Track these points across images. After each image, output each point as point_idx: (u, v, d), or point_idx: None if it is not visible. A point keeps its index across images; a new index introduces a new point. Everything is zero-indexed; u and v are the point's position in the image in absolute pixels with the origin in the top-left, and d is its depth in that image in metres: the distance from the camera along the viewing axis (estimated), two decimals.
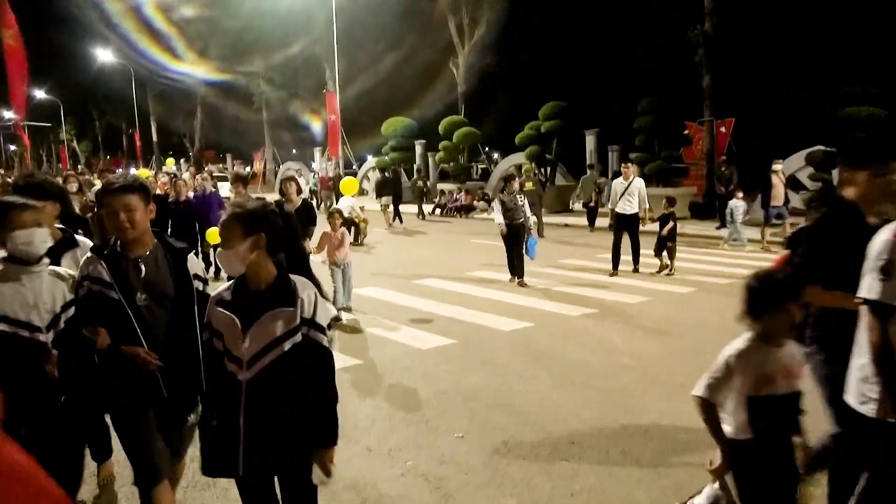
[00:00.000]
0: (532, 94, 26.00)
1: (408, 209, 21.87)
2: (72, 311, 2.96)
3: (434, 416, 4.91)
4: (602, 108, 25.64)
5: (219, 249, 2.45)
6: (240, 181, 9.31)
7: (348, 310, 8.06)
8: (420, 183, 23.96)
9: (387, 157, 29.14)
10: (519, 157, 24.32)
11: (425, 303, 8.76)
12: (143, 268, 2.83)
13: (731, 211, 13.19)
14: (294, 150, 47.75)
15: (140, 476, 2.89)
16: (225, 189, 15.48)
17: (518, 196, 9.90)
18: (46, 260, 3.03)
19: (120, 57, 43.61)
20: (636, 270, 10.51)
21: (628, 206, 10.39)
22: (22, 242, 2.86)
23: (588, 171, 20.62)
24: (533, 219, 10.31)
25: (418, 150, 29.40)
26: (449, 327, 7.46)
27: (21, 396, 2.66)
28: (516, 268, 9.84)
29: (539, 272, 10.79)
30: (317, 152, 38.04)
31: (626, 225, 10.49)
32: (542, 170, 22.56)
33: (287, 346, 2.41)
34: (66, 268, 3.18)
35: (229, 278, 2.58)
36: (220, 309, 2.48)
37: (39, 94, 47.63)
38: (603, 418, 4.83)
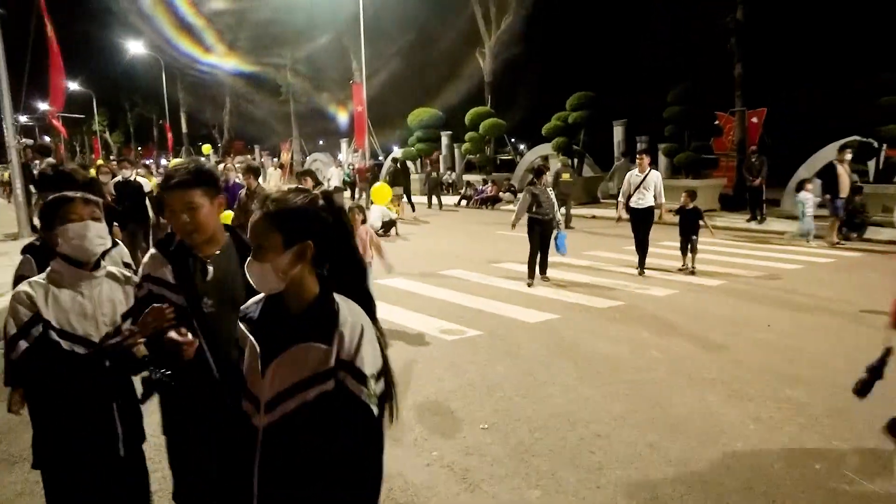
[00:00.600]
0: (559, 85, 25.77)
1: (421, 200, 22.18)
2: (128, 322, 2.51)
3: (460, 407, 4.91)
4: (631, 98, 25.33)
5: (248, 259, 1.83)
6: (251, 172, 9.01)
7: None
8: (434, 174, 24.19)
9: (413, 149, 29.16)
10: (546, 149, 24.16)
11: (451, 294, 8.76)
12: (210, 269, 2.44)
13: (801, 204, 12.52)
14: (321, 142, 48.02)
15: (181, 496, 2.63)
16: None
17: (549, 190, 9.41)
18: (105, 262, 2.65)
19: (151, 49, 44.19)
20: (641, 273, 9.79)
21: (642, 200, 9.81)
22: (74, 236, 2.43)
23: (621, 159, 20.41)
24: (561, 210, 9.85)
25: (444, 141, 29.36)
26: (475, 319, 7.46)
27: (79, 422, 2.46)
28: (541, 264, 9.38)
29: (566, 264, 10.71)
30: (343, 143, 38.19)
31: (639, 220, 9.90)
32: (570, 161, 22.37)
33: (312, 393, 1.76)
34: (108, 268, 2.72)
35: None
36: (242, 327, 1.92)
37: (73, 86, 48.53)
38: (630, 411, 4.79)
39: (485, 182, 24.15)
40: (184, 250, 2.46)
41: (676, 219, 10.13)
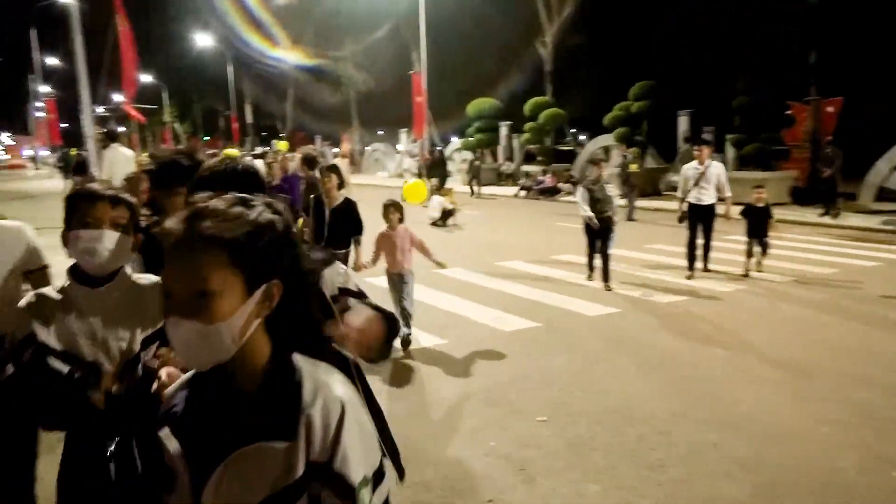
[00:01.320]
0: (622, 74, 25.24)
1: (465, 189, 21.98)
2: (153, 349, 2.01)
3: (517, 399, 4.91)
4: (696, 87, 24.58)
5: (169, 320, 1.14)
6: (306, 163, 8.84)
7: (406, 342, 6.08)
8: (477, 162, 24.46)
9: (472, 139, 29.12)
10: (608, 139, 23.74)
11: (509, 285, 8.75)
12: None
13: None
14: (380, 132, 48.51)
15: None
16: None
17: (606, 185, 8.64)
18: (129, 273, 2.11)
19: (218, 41, 45.51)
20: (706, 269, 9.23)
21: (704, 196, 8.89)
22: (83, 246, 1.96)
23: (685, 146, 19.86)
24: (620, 202, 9.16)
25: (503, 131, 29.21)
26: (533, 310, 7.43)
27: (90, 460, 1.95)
28: (603, 269, 8.58)
29: (627, 257, 10.53)
30: (402, 134, 38.49)
31: (700, 217, 8.96)
32: (639, 151, 21.94)
33: None
34: None
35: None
36: (163, 432, 1.23)
37: (146, 78, 50.46)
38: (692, 409, 4.69)
39: (544, 173, 23.92)
40: None
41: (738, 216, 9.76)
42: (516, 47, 34.01)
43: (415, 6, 26.04)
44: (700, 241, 9.09)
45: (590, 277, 8.91)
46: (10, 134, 75.41)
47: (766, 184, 10.71)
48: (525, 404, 4.81)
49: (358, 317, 1.81)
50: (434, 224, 15.06)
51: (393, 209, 6.13)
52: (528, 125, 26.77)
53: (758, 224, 9.11)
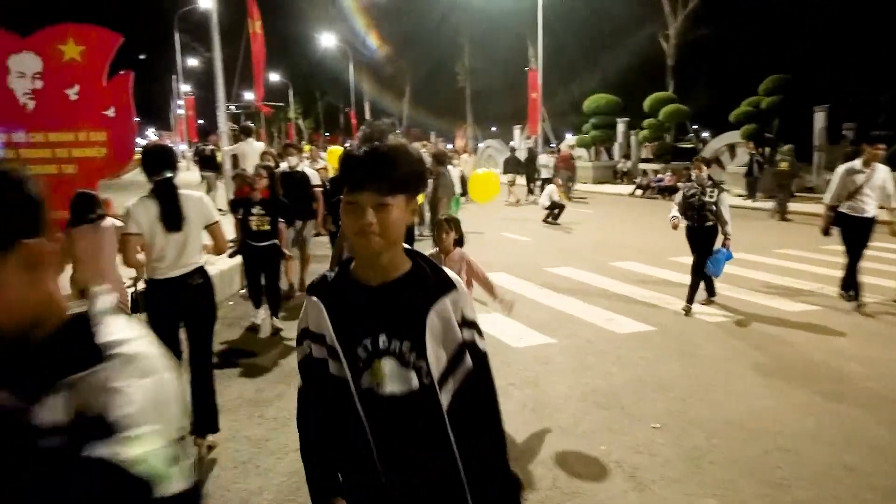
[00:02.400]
0: (751, 67, 23.77)
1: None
2: None
3: (630, 404, 4.75)
4: (836, 80, 22.73)
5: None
6: (436, 159, 9.22)
7: None
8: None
9: (587, 136, 28.53)
10: (733, 136, 22.51)
11: (623, 286, 8.48)
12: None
13: None
14: (493, 128, 48.57)
15: None
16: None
17: (710, 189, 7.10)
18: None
19: (340, 42, 47.30)
20: (852, 299, 7.33)
21: (866, 205, 7.11)
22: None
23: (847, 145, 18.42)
24: (728, 228, 7.16)
25: (620, 128, 28.39)
26: (647, 313, 7.16)
27: None
28: (690, 288, 7.26)
29: (752, 261, 9.94)
30: (516, 130, 38.33)
31: (856, 231, 7.21)
32: (760, 150, 20.62)
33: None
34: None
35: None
36: None
37: (273, 76, 53.33)
38: (825, 427, 4.34)
39: (663, 170, 23.02)
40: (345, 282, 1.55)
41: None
42: (636, 41, 32.91)
43: (532, 1, 25.79)
44: (848, 260, 7.36)
45: (687, 311, 7.16)
46: (153, 129, 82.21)
47: None
48: (638, 409, 4.64)
49: None
50: (545, 221, 14.88)
51: (448, 227, 4.39)
52: (647, 121, 25.83)
53: None
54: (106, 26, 9.06)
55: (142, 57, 49.21)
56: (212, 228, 4.09)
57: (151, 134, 73.73)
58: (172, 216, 3.86)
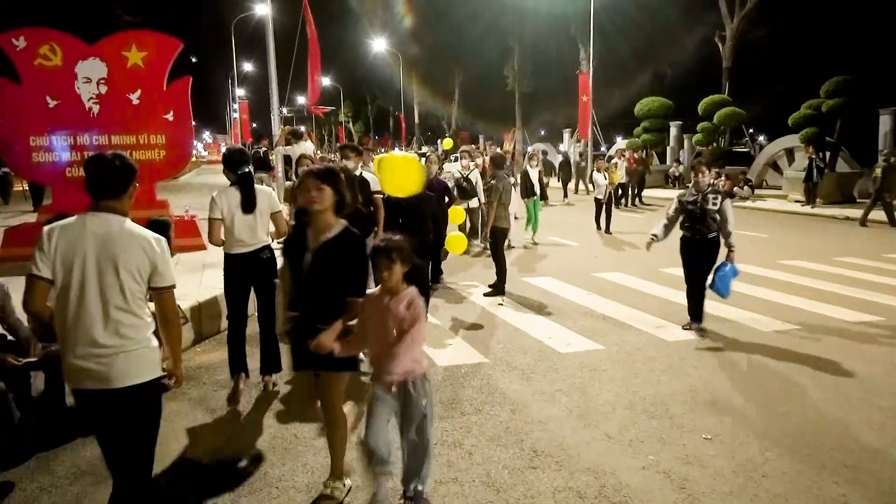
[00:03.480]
0: (811, 69, 22.98)
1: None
2: None
3: (679, 413, 4.65)
4: None
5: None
6: (493, 162, 8.88)
7: None
8: (583, 164, 24.78)
9: (638, 139, 28.07)
10: (792, 140, 21.83)
11: (673, 293, 8.28)
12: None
13: None
14: (542, 132, 48.26)
15: None
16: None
17: (713, 196, 6.34)
18: None
19: (390, 45, 47.78)
20: None
21: None
22: None
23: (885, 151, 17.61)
24: (733, 239, 6.37)
25: (672, 131, 27.83)
26: None
27: None
28: (690, 305, 6.63)
29: (810, 269, 9.62)
30: (565, 133, 37.99)
31: None
32: (821, 154, 19.92)
33: None
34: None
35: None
36: None
37: (325, 80, 54.25)
38: (888, 444, 4.15)
39: (718, 176, 22.44)
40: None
41: None
42: (690, 42, 32.24)
43: (584, 3, 25.55)
44: None
45: (685, 326, 6.67)
46: (209, 132, 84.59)
47: None
48: (688, 420, 4.53)
49: None
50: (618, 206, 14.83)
51: (389, 260, 3.15)
52: (701, 125, 25.24)
53: None
54: (166, 32, 9.37)
55: (195, 60, 50.65)
56: (276, 216, 5.05)
57: (207, 137, 75.91)
58: (250, 201, 4.82)
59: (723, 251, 6.41)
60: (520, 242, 12.33)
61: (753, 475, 3.78)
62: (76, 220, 2.72)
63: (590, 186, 21.55)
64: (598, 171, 14.71)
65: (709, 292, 6.44)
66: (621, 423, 4.47)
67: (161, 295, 2.82)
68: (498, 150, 26.73)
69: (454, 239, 8.24)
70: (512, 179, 10.81)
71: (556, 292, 8.43)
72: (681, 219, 6.59)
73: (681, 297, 8.01)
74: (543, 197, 12.77)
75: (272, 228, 5.12)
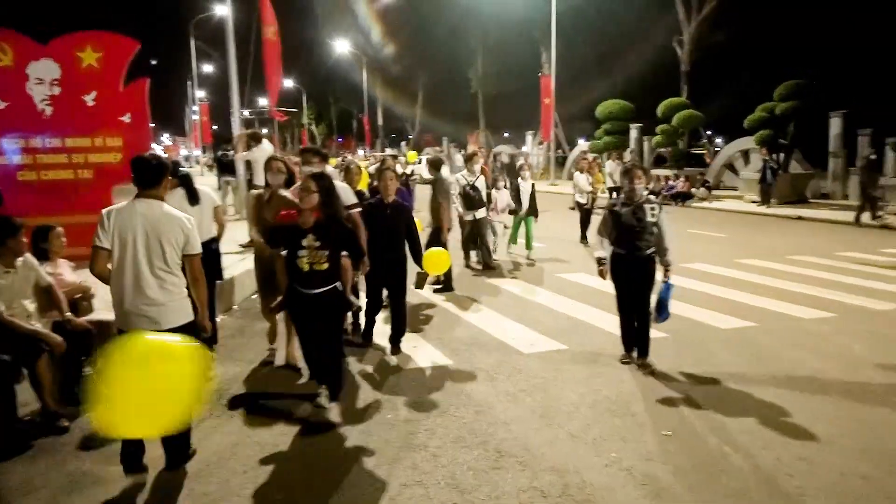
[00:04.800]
0: (765, 73, 23.62)
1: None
2: None
3: (641, 411, 4.72)
4: (851, 86, 22.51)
5: None
6: (431, 165, 9.12)
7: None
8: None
9: (600, 142, 28.45)
10: (747, 142, 22.39)
11: None
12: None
13: None
14: (506, 134, 48.59)
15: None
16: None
17: (651, 207, 5.42)
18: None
19: (354, 48, 47.57)
20: None
21: None
22: None
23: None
24: (671, 255, 5.55)
25: (633, 133, 28.28)
26: None
27: None
28: (627, 336, 5.77)
29: (765, 268, 9.88)
30: (528, 135, 38.33)
31: None
32: (775, 156, 20.48)
33: None
34: None
35: None
36: None
37: (287, 82, 53.68)
38: (839, 436, 4.29)
39: (676, 177, 22.91)
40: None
41: None
42: (649, 47, 32.83)
43: (546, 7, 25.80)
44: None
45: (624, 359, 5.79)
46: (168, 135, 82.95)
47: None
48: (650, 417, 4.61)
49: None
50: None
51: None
52: (660, 127, 25.71)
53: None
54: (122, 33, 9.15)
55: (154, 62, 49.72)
56: (216, 210, 5.88)
57: (166, 139, 74.40)
58: (194, 194, 5.59)
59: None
60: (503, 256, 11.14)
61: (712, 469, 3.86)
62: (127, 205, 3.64)
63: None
64: (580, 171, 12.86)
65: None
66: (584, 422, 4.53)
67: (192, 260, 3.73)
68: (462, 151, 26.67)
69: (434, 256, 6.70)
70: (503, 185, 10.63)
71: (521, 294, 8.49)
72: (613, 234, 5.56)
73: None
74: (535, 213, 10.94)
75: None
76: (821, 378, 5.37)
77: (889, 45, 23.67)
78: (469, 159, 10.01)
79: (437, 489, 3.67)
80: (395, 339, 6.05)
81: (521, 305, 7.88)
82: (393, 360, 5.86)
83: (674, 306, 7.30)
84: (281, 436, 4.33)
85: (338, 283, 4.59)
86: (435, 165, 9.08)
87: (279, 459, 4.03)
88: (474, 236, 9.93)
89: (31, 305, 4.49)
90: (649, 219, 5.38)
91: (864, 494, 3.59)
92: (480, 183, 9.72)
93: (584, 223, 12.71)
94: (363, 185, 7.67)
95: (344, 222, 4.75)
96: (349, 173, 6.70)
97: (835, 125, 20.64)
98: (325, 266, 4.43)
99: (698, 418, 4.60)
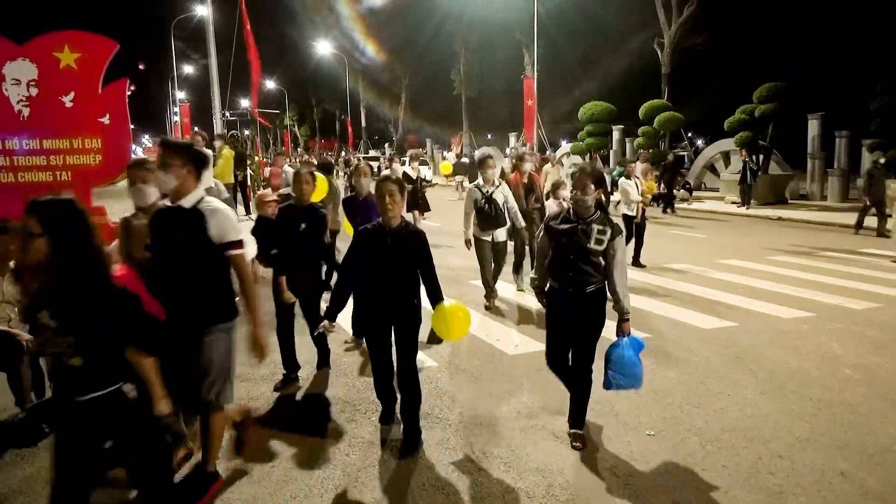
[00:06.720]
0: (745, 75, 23.91)
1: None
2: None
3: (624, 411, 4.75)
4: (829, 88, 22.83)
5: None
6: (321, 168, 8.78)
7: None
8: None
9: (582, 143, 28.61)
10: (727, 144, 22.64)
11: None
12: None
13: None
14: (489, 135, 48.71)
15: None
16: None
17: (599, 226, 4.03)
18: None
19: (336, 48, 47.45)
20: None
21: None
22: None
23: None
24: (626, 301, 4.32)
25: (615, 135, 28.47)
26: (642, 321, 7.15)
27: None
28: (571, 408, 4.33)
29: (746, 268, 9.98)
30: (512, 137, 38.43)
31: None
32: (755, 157, 20.72)
33: None
34: None
35: None
36: None
37: (269, 84, 53.38)
38: (818, 434, 4.35)
39: (657, 178, 23.07)
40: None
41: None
42: (631, 49, 33.10)
43: (529, 9, 25.90)
44: None
45: (574, 442, 4.20)
46: (149, 137, 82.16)
47: None
48: (633, 417, 4.64)
49: None
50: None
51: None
52: (642, 129, 25.90)
53: None
54: (102, 33, 9.04)
55: (141, 67, 49.26)
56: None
57: (147, 141, 73.65)
58: None
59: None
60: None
61: (694, 469, 3.89)
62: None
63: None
64: (628, 176, 10.17)
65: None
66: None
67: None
68: (445, 153, 26.70)
69: (449, 316, 4.15)
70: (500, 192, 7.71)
71: (505, 294, 8.50)
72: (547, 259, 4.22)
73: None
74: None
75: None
76: (800, 377, 5.44)
77: (865, 48, 24.05)
78: (482, 164, 7.67)
79: (422, 491, 3.66)
80: (410, 419, 4.17)
81: (504, 306, 7.89)
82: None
83: (656, 307, 7.40)
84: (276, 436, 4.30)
85: (120, 385, 2.63)
86: (326, 170, 8.59)
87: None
88: (499, 264, 7.87)
89: (12, 312, 4.42)
90: (593, 245, 4.00)
91: (843, 491, 3.64)
92: (500, 194, 7.51)
93: (638, 241, 10.26)
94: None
95: (108, 281, 2.65)
96: (357, 173, 6.32)
97: (813, 127, 20.93)
98: (77, 361, 2.54)
99: (682, 417, 4.63)
